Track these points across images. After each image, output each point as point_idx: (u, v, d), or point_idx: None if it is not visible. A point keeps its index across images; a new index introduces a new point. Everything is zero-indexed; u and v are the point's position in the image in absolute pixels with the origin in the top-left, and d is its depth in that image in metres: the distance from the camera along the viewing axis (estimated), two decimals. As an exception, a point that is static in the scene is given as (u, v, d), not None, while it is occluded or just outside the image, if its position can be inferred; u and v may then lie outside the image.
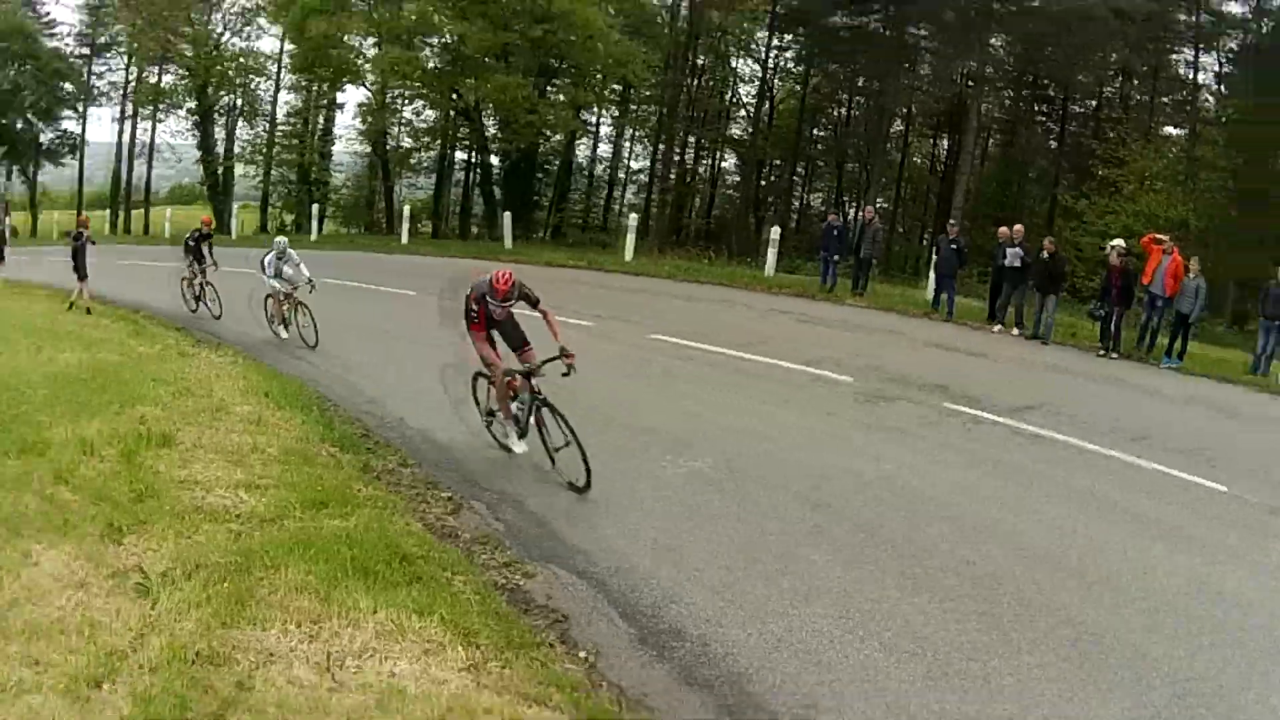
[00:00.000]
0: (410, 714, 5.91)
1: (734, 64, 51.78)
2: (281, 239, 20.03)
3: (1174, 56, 43.27)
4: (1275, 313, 22.42)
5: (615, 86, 49.79)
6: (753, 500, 10.85)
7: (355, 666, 6.38)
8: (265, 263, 19.11)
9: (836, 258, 29.11)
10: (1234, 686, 7.73)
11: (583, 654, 7.41)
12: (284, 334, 19.17)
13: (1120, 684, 7.57)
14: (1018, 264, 23.94)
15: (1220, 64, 42.56)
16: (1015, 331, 23.98)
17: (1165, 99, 43.69)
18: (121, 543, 7.88)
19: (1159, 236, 23.57)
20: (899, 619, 8.27)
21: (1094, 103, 46.05)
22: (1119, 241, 24.36)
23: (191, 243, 22.43)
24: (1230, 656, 8.18)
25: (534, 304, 11.17)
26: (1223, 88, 42.39)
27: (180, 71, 51.99)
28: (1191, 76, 43.09)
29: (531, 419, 11.35)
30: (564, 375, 10.78)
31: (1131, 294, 23.16)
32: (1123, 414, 16.43)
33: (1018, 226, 25.12)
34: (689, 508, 10.59)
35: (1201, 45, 42.07)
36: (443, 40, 46.98)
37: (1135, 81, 44.62)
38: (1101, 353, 22.41)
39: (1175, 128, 43.83)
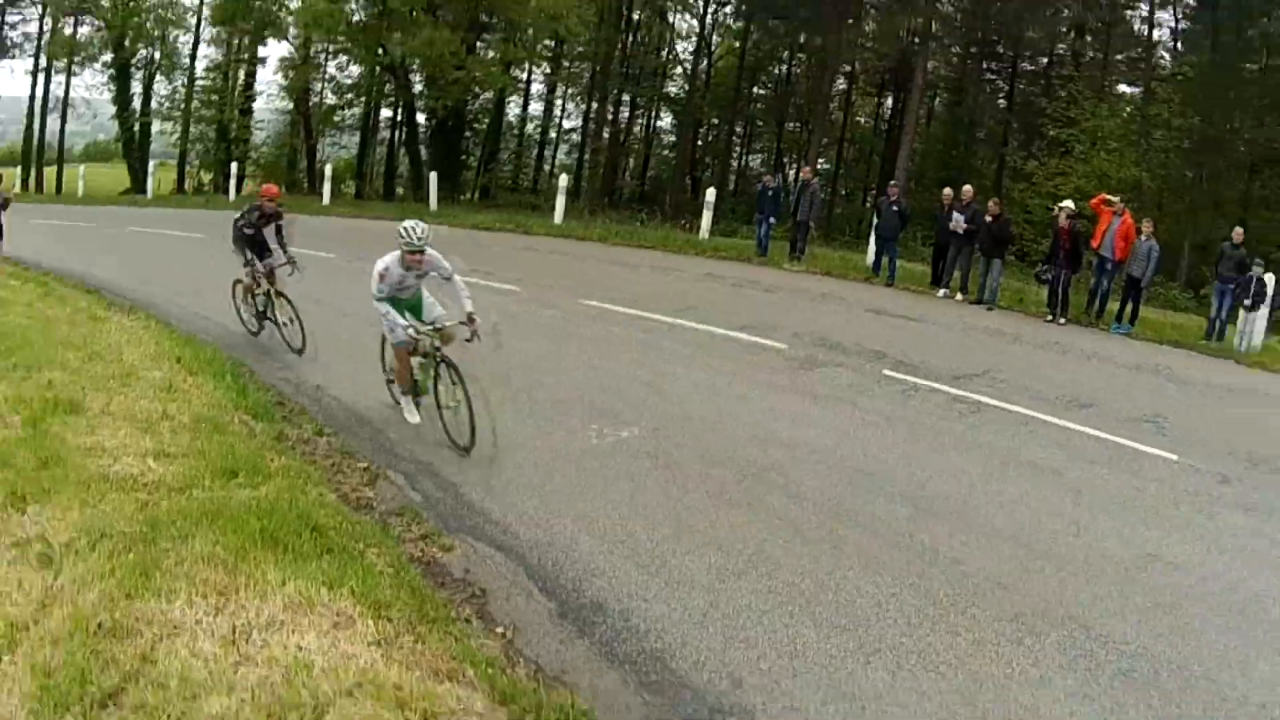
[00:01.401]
0: (317, 688, 5.81)
1: (671, 19, 51.55)
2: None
3: (1129, 12, 42.98)
4: (1230, 275, 22.41)
5: (547, 42, 49.38)
6: (681, 470, 10.78)
7: (262, 640, 6.26)
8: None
9: (773, 220, 28.95)
10: (1182, 660, 7.74)
11: (500, 629, 7.36)
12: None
13: (1065, 660, 7.58)
14: (962, 230, 23.88)
15: (1176, 20, 42.43)
16: (959, 297, 23.95)
17: (1119, 56, 43.48)
18: (25, 511, 7.70)
19: (1109, 198, 23.41)
20: (830, 592, 8.23)
21: (1045, 60, 45.78)
22: (1068, 203, 24.24)
23: (248, 228, 15.39)
24: (1179, 629, 8.21)
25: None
26: (1179, 44, 42.39)
27: (97, 23, 51.03)
28: (1147, 33, 43.01)
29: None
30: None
31: (1080, 257, 23.08)
32: (1070, 381, 16.46)
33: (966, 188, 24.97)
34: (615, 478, 10.48)
35: (1158, 1, 42.06)
36: (369, -9, 46.30)
37: (1089, 38, 44.34)
38: (1049, 318, 22.43)
39: (1129, 86, 43.60)
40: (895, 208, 25.74)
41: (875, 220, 27.73)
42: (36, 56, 52.88)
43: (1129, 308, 22.54)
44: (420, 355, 11.39)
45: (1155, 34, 42.84)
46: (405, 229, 10.89)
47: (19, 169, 49.28)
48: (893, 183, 29.35)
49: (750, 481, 10.62)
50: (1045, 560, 9.29)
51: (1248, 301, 21.99)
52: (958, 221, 23.75)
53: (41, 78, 52.71)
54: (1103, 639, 7.88)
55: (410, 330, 10.94)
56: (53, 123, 52.99)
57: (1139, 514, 10.81)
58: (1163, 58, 42.86)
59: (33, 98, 52.64)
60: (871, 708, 6.69)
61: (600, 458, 11.08)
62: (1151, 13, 42.27)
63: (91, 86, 52.71)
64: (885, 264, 25.96)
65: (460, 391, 10.71)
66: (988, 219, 23.38)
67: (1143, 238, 22.28)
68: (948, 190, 25.49)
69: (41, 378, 11.28)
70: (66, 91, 52.75)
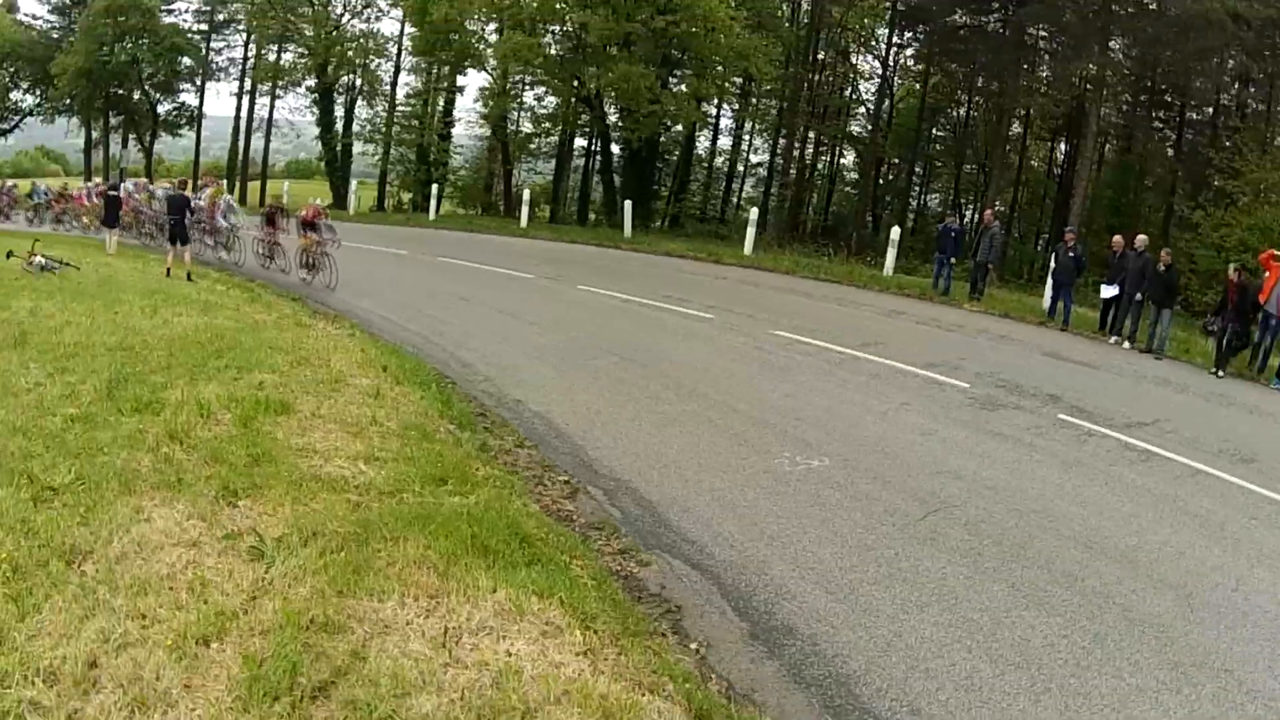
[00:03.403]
0: (525, 694, 5.82)
1: (854, 60, 51.56)
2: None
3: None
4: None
5: (736, 79, 49.71)
6: (869, 501, 10.71)
7: (472, 643, 6.29)
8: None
9: (952, 260, 28.72)
10: None
11: (694, 645, 7.38)
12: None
13: (1218, 711, 7.41)
14: (1110, 296, 23.67)
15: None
16: (1129, 344, 23.45)
17: (1281, 108, 42.54)
18: (236, 505, 7.87)
19: (1278, 253, 22.80)
20: (1005, 629, 8.12)
21: (1211, 110, 45.00)
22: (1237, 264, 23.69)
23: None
24: None
25: None
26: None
27: (300, 50, 52.72)
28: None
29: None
30: None
31: (1246, 312, 22.49)
32: (1233, 434, 15.98)
33: (1141, 237, 24.56)
34: (807, 505, 10.44)
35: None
36: (565, 28, 47.04)
37: (1252, 89, 43.51)
38: (1213, 371, 21.81)
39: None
40: (1071, 254, 25.43)
41: (1052, 265, 27.35)
42: (241, 80, 54.88)
43: (1294, 364, 21.77)
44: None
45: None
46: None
47: (224, 182, 51.07)
48: (1069, 229, 28.82)
49: (934, 516, 10.51)
50: (1205, 611, 9.07)
51: None
52: (1108, 289, 23.71)
53: (246, 100, 54.70)
54: (1254, 693, 7.70)
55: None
56: (257, 141, 54.96)
57: None
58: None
59: (237, 117, 54.65)
60: None
61: (793, 484, 11.05)
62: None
63: (295, 109, 54.68)
64: (1060, 308, 25.53)
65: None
66: (1161, 268, 22.87)
67: (1308, 294, 21.50)
68: (1118, 238, 25.02)
69: (252, 379, 11.63)
70: (271, 112, 54.78)
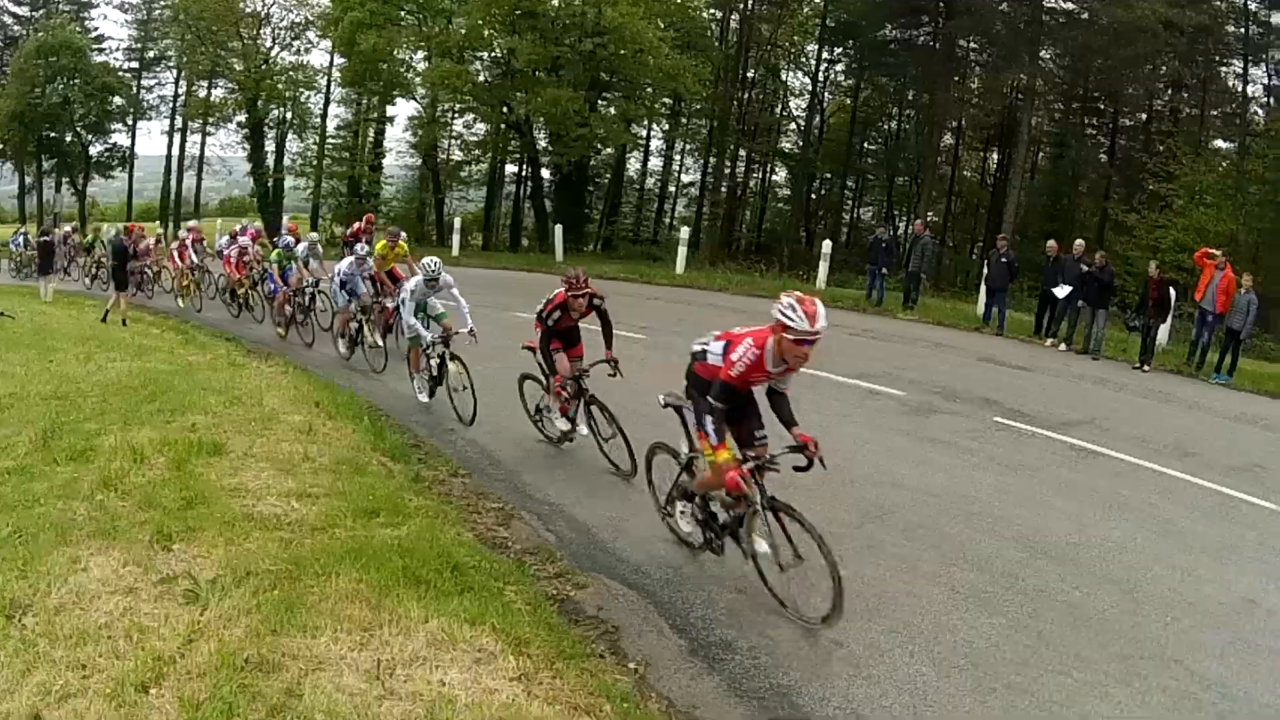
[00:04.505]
0: None
1: (784, 77, 51.83)
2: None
3: (1223, 69, 42.89)
4: (1327, 328, 22.25)
5: (666, 100, 49.91)
6: (806, 510, 10.73)
7: (405, 675, 6.32)
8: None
9: (885, 271, 29.11)
10: None
11: (633, 665, 7.39)
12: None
13: (1170, 701, 7.49)
14: (1062, 296, 23.98)
15: (1270, 76, 42.04)
16: (1065, 346, 23.81)
17: (1215, 112, 43.22)
18: (170, 549, 7.86)
19: (1212, 252, 23.35)
20: (948, 631, 8.19)
21: (1144, 115, 45.66)
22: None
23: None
24: (1278, 674, 8.07)
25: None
26: (1272, 100, 41.93)
27: (230, 85, 52.53)
28: (1241, 89, 42.66)
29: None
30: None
31: (1167, 306, 23.04)
32: (1173, 429, 16.31)
33: (1080, 242, 24.99)
34: None
35: (1251, 57, 41.66)
36: (493, 54, 47.17)
37: (1185, 94, 44.21)
38: (1136, 366, 22.22)
39: (1225, 141, 43.31)
40: (1004, 260, 25.92)
41: (985, 271, 27.78)
42: (172, 118, 54.53)
43: (1228, 359, 22.34)
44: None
45: (1249, 90, 42.47)
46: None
47: (157, 223, 50.68)
48: (1001, 236, 29.27)
49: (872, 524, 10.60)
50: (1151, 604, 9.18)
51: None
52: (1064, 289, 23.83)
53: (178, 138, 54.39)
54: (1205, 681, 7.79)
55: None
56: (189, 179, 54.63)
57: (1239, 560, 10.62)
58: (1257, 113, 42.36)
59: (169, 156, 54.31)
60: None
61: None
62: (1245, 69, 41.86)
63: (226, 145, 54.32)
64: (995, 314, 25.91)
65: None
66: (1094, 269, 23.37)
67: (1243, 290, 22.11)
68: (1052, 242, 25.49)
69: (185, 421, 11.66)
70: (202, 150, 54.42)
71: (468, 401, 13.77)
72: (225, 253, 26.02)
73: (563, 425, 12.39)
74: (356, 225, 28.43)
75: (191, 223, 35.68)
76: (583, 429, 12.14)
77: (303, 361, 18.14)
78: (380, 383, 16.68)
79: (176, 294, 28.07)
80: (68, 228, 39.38)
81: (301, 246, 22.19)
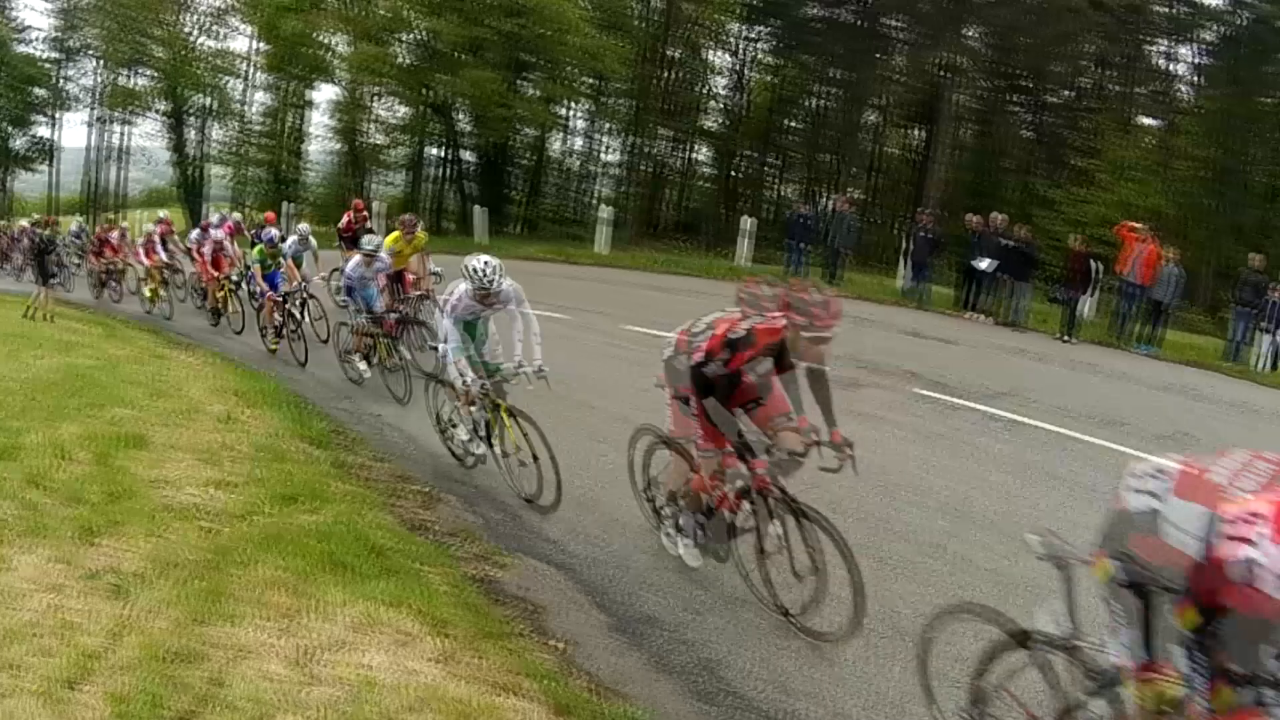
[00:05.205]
0: (383, 705, 5.94)
1: (707, 56, 51.80)
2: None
3: (1150, 48, 43.09)
4: (1250, 300, 22.80)
5: (588, 80, 49.76)
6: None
7: (328, 660, 6.41)
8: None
9: (805, 247, 29.34)
10: None
11: (557, 643, 7.42)
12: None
13: None
14: (984, 267, 24.32)
15: (1197, 56, 42.51)
16: (987, 319, 24.15)
17: (1141, 90, 43.45)
18: (96, 544, 7.89)
19: (1134, 225, 23.84)
20: (874, 603, 8.03)
21: (1070, 93, 45.97)
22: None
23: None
24: None
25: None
26: (1199, 79, 42.46)
27: (152, 74, 51.87)
28: (1168, 68, 43.04)
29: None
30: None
31: (1090, 279, 23.46)
32: (1099, 399, 16.53)
33: (1000, 216, 25.35)
34: None
35: (1178, 36, 42.05)
36: (415, 36, 46.96)
37: (1112, 72, 44.52)
38: (1058, 336, 22.63)
39: (1151, 118, 43.77)
40: (926, 235, 26.16)
41: (908, 247, 28.08)
42: (95, 108, 53.78)
43: (1153, 330, 22.76)
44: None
45: (1176, 69, 42.83)
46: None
47: (81, 216, 50.02)
48: (924, 211, 29.69)
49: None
50: (1082, 571, 9.26)
51: (1266, 324, 22.21)
52: (990, 263, 24.17)
53: (101, 128, 53.65)
54: None
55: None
56: (113, 171, 53.86)
57: None
58: (1181, 91, 42.85)
59: (90, 148, 53.58)
60: (911, 710, 6.73)
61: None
62: (1173, 48, 42.31)
63: (149, 135, 53.59)
64: (918, 288, 26.18)
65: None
66: (1015, 243, 23.75)
67: (1167, 263, 22.73)
68: (975, 217, 25.78)
69: (109, 415, 11.63)
70: (124, 140, 53.65)
71: (533, 476, 10.28)
72: (200, 249, 22.67)
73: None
74: (347, 216, 26.34)
75: (162, 213, 33.68)
76: (692, 559, 8.76)
77: (225, 351, 18.15)
78: (303, 370, 16.72)
79: (142, 296, 25.17)
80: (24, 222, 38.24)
81: (290, 240, 19.77)
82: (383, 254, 15.92)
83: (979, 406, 15.02)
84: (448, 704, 6.04)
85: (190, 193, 52.34)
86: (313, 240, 20.31)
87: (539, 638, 7.49)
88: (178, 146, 52.41)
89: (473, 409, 10.80)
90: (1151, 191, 37.67)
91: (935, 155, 44.52)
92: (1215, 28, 41.36)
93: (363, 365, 15.52)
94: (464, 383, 10.19)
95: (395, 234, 18.10)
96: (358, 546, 8.13)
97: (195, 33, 52.25)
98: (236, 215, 31.71)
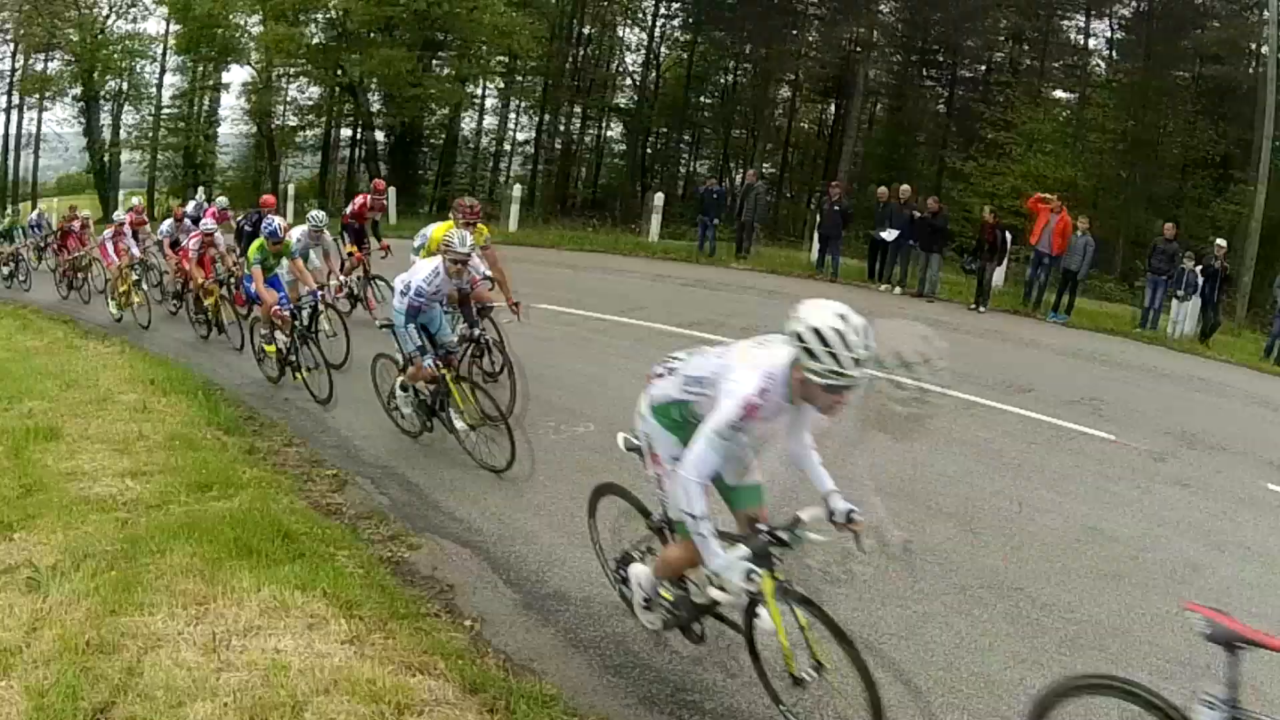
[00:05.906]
0: (295, 688, 6.00)
1: (620, 33, 51.83)
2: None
3: (1065, 23, 43.42)
4: (1162, 268, 23.41)
5: (500, 58, 49.63)
6: (633, 464, 10.94)
7: (241, 645, 6.47)
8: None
9: (715, 221, 29.64)
10: (1124, 626, 7.97)
11: (468, 622, 7.48)
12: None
13: (1012, 630, 7.81)
14: (889, 239, 24.76)
15: (1112, 30, 42.98)
16: (899, 290, 24.54)
17: (1055, 64, 43.87)
18: (11, 538, 7.96)
19: (1045, 196, 24.35)
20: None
21: (983, 67, 46.37)
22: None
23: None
24: (1120, 598, 8.47)
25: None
26: (1114, 53, 43.00)
27: (66, 57, 51.12)
28: (1083, 43, 43.49)
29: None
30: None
31: (1001, 249, 23.96)
32: (1009, 367, 16.96)
33: (904, 187, 25.72)
34: (571, 471, 10.58)
35: (1094, 11, 42.59)
36: (327, 15, 46.67)
37: (1025, 47, 44.98)
38: (972, 307, 23.06)
39: (1065, 92, 44.21)
40: (836, 207, 26.58)
41: (818, 219, 28.39)
42: (10, 94, 52.90)
43: (1065, 298, 23.42)
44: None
45: (1091, 43, 43.25)
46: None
47: (42, 203, 49.26)
48: (834, 183, 29.97)
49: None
50: (990, 534, 9.58)
51: (1179, 292, 22.90)
52: (891, 233, 24.54)
53: (11, 115, 52.78)
54: (1047, 606, 8.16)
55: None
56: (26, 158, 53.01)
57: (1079, 490, 11.20)
58: (1097, 65, 43.37)
59: (5, 135, 52.71)
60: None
61: (558, 452, 11.24)
62: (1087, 23, 42.76)
63: (62, 120, 52.78)
64: (828, 261, 26.51)
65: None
66: (926, 215, 24.09)
67: (1079, 233, 23.18)
68: (883, 189, 26.23)
69: (22, 407, 11.70)
70: (39, 126, 52.80)
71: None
72: (183, 242, 19.51)
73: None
74: (360, 198, 21.64)
75: (135, 200, 31.64)
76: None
77: (138, 340, 18.06)
78: (214, 357, 16.71)
79: (109, 298, 21.52)
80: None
81: (296, 233, 15.55)
82: (475, 256, 11.62)
83: (888, 376, 15.07)
84: (358, 685, 6.12)
85: (103, 179, 51.62)
86: (328, 235, 16.58)
87: (449, 617, 7.56)
88: (90, 132, 51.67)
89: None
90: (1064, 163, 38.16)
91: (847, 130, 44.83)
92: (1130, 2, 41.84)
93: (460, 424, 11.18)
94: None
95: (447, 223, 13.67)
96: (269, 532, 8.21)
97: (109, 14, 51.49)
98: (223, 200, 30.97)
